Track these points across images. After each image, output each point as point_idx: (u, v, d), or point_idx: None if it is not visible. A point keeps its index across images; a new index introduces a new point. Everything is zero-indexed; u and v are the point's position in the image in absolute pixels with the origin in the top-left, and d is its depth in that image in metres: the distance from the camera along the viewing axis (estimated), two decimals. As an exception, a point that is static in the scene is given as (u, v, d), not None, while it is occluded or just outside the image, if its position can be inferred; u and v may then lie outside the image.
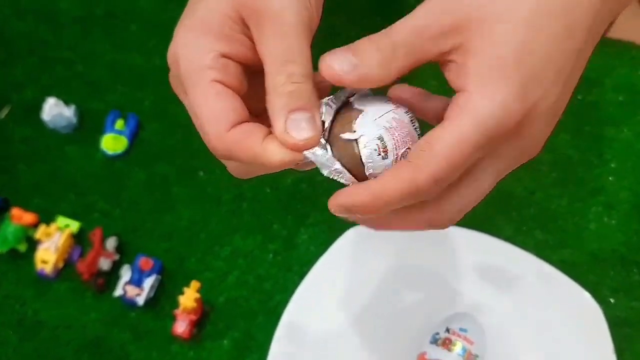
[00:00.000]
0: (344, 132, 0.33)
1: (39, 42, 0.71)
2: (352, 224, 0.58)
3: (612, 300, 0.57)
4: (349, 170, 0.33)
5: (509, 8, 0.31)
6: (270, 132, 0.33)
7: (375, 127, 0.32)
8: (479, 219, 0.60)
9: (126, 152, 0.64)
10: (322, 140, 0.33)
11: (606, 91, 0.65)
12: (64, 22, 0.72)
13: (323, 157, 0.33)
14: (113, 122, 0.65)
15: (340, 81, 0.32)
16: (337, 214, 0.33)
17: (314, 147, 0.32)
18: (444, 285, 0.56)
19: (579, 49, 0.33)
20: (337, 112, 0.34)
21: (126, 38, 0.71)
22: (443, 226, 0.35)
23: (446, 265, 0.57)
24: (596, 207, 0.60)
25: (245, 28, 0.34)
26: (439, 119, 0.35)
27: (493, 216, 0.61)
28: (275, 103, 0.32)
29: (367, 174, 0.32)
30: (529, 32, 0.31)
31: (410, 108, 0.35)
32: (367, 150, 0.32)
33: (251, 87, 0.35)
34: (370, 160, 0.32)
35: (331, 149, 0.33)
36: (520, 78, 0.31)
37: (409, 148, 0.33)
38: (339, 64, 0.31)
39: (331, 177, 0.33)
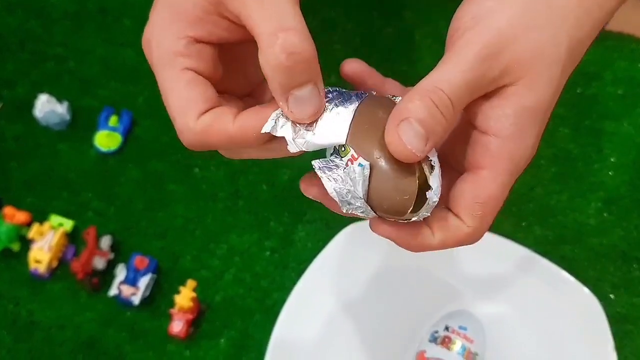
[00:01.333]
0: (405, 187, 0.30)
1: (30, 38, 0.70)
2: (350, 221, 0.58)
3: (612, 296, 0.56)
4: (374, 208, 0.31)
5: (551, 46, 0.31)
6: (242, 109, 0.32)
7: (440, 182, 0.31)
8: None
9: (120, 149, 0.63)
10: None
11: (606, 85, 0.65)
12: (55, 17, 0.71)
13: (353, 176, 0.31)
14: (107, 119, 0.64)
15: (413, 159, 0.30)
16: (375, 232, 0.33)
17: (316, 117, 0.31)
18: (443, 283, 0.56)
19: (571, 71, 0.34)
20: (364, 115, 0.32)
21: (119, 33, 0.70)
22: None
23: (445, 262, 0.56)
24: (596, 203, 0.60)
25: (219, 7, 0.31)
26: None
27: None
28: (273, 80, 0.30)
29: (406, 217, 0.31)
30: (564, 73, 0.32)
31: (368, 88, 0.34)
32: (426, 212, 0.31)
33: (235, 66, 0.34)
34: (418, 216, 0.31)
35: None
36: (545, 119, 0.32)
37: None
38: (412, 142, 0.29)
39: (349, 204, 0.31)
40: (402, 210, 0.31)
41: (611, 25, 0.76)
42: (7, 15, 0.71)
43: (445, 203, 0.33)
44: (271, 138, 0.32)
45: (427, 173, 0.31)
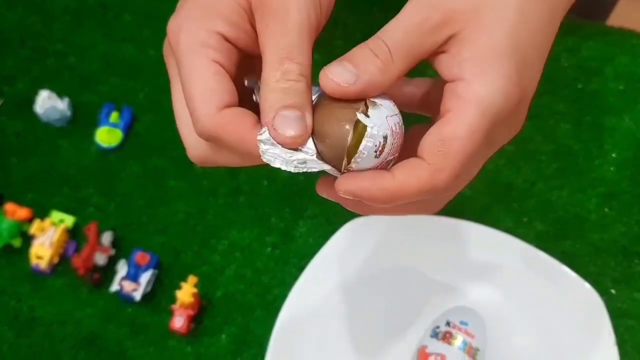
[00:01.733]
0: (344, 117, 0.32)
1: (30, 34, 0.69)
2: (351, 216, 0.58)
3: (613, 292, 0.56)
4: (325, 159, 0.32)
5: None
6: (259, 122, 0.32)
7: (386, 124, 0.32)
8: (478, 211, 0.59)
9: (121, 145, 0.63)
10: None
11: (607, 80, 0.64)
12: (55, 13, 0.71)
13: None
14: (107, 115, 0.64)
15: (344, 94, 0.32)
16: (340, 195, 0.33)
17: (298, 145, 0.31)
18: (444, 278, 0.56)
19: (555, 32, 0.34)
20: (324, 98, 0.33)
21: (119, 29, 0.70)
22: (435, 211, 0.36)
23: (446, 257, 0.56)
24: (597, 198, 0.60)
25: (252, 18, 0.33)
26: (416, 105, 0.37)
27: (493, 207, 0.60)
28: (267, 97, 0.32)
29: (348, 166, 0.32)
30: (519, 18, 0.32)
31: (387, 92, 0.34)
32: (369, 143, 0.31)
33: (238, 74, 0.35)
34: (364, 154, 0.31)
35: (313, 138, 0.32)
36: (515, 64, 0.31)
37: (394, 158, 0.32)
38: (340, 76, 0.31)
39: (296, 166, 0.32)
40: (343, 144, 0.31)
41: (612, 20, 0.76)
42: (7, 11, 0.71)
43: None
44: None
45: (368, 111, 0.31)
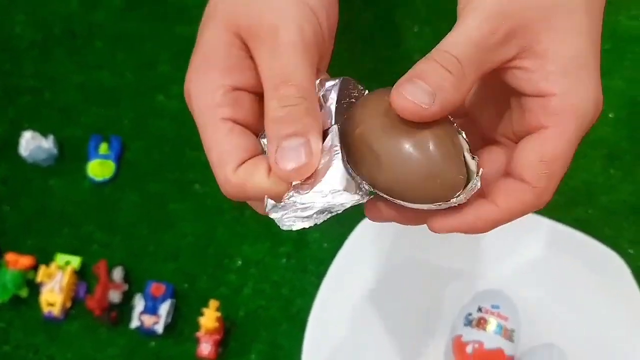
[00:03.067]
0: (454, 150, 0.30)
1: (0, 73, 0.67)
2: (362, 216, 0.57)
3: (631, 251, 0.57)
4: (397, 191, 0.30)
5: (559, 2, 0.30)
6: None
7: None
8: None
9: (115, 176, 0.61)
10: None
11: (590, 42, 0.65)
12: (22, 48, 0.68)
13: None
14: (96, 147, 0.62)
15: (423, 116, 0.29)
16: (434, 231, 0.32)
17: (306, 175, 0.29)
18: (465, 265, 0.55)
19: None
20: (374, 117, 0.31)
21: (92, 56, 0.67)
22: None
23: (461, 244, 0.55)
24: (600, 160, 0.60)
25: (249, 52, 0.31)
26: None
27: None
28: (268, 131, 0.30)
29: (449, 202, 0.30)
30: (590, 21, 0.31)
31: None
32: (478, 183, 0.30)
33: None
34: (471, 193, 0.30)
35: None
36: (597, 69, 0.31)
37: None
38: (416, 97, 0.29)
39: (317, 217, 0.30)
40: (443, 196, 0.29)
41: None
42: (-28, 53, 0.68)
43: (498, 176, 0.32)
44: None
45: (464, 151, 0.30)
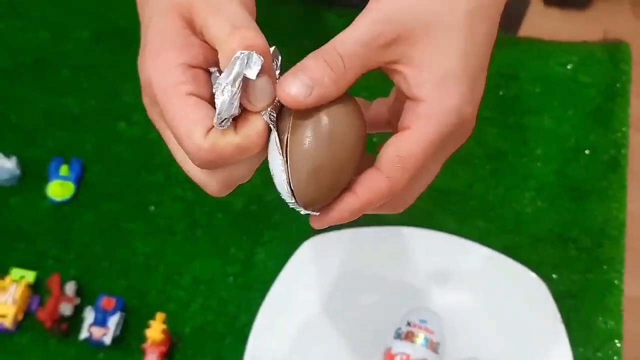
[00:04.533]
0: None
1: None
2: (307, 236, 0.61)
3: (554, 276, 0.61)
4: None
5: (447, 13, 0.34)
6: None
7: None
8: (424, 216, 0.63)
9: (74, 197, 0.64)
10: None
11: (523, 84, 0.70)
12: (-12, 73, 0.72)
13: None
14: (57, 169, 0.65)
15: (301, 105, 0.33)
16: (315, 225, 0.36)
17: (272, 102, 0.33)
18: (401, 284, 0.59)
19: (494, 38, 0.37)
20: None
21: (58, 83, 0.71)
22: (399, 211, 0.38)
23: (400, 264, 0.59)
24: (529, 192, 0.65)
25: (195, 29, 0.34)
26: (384, 124, 0.40)
27: (436, 212, 0.64)
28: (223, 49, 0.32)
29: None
30: (468, 36, 0.34)
31: None
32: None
33: None
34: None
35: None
36: (467, 82, 0.34)
37: None
38: (297, 88, 0.32)
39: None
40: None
41: (521, 31, 0.83)
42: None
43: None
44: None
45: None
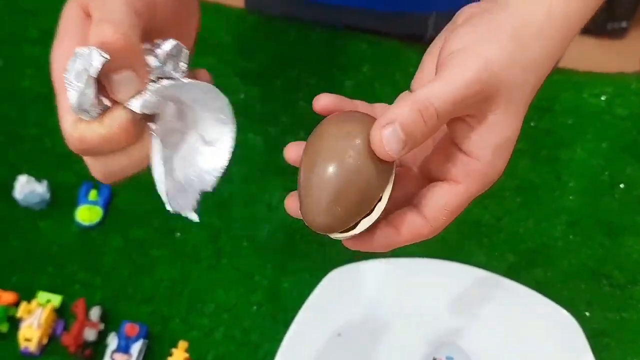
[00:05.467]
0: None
1: (4, 121, 0.72)
2: (332, 266, 0.60)
3: (587, 314, 0.59)
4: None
5: (522, 83, 0.35)
6: None
7: None
8: (452, 248, 0.62)
9: (101, 222, 0.65)
10: None
11: (556, 116, 0.69)
12: (28, 100, 0.73)
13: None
14: (86, 193, 0.66)
15: (391, 159, 0.34)
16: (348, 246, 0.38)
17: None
18: (428, 318, 0.58)
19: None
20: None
21: (91, 109, 0.72)
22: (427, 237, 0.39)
23: (427, 297, 0.58)
24: (561, 226, 0.63)
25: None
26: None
27: (465, 245, 0.63)
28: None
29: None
30: (527, 107, 0.37)
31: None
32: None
33: None
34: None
35: None
36: (513, 147, 0.37)
37: None
38: (392, 145, 0.33)
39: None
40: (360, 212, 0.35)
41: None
42: (-20, 103, 0.73)
43: (407, 203, 0.37)
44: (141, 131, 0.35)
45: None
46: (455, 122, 0.36)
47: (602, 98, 0.70)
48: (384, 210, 0.36)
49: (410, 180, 0.39)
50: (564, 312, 0.56)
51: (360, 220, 0.35)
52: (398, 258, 0.60)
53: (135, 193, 0.67)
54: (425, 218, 0.36)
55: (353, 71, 0.74)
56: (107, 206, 0.66)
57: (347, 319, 0.58)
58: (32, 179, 0.66)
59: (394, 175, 0.36)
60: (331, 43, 0.75)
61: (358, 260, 0.60)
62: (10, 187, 0.66)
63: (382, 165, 0.35)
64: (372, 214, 0.36)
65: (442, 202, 0.36)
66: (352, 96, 0.69)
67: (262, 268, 0.63)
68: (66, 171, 0.68)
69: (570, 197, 0.65)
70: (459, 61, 0.34)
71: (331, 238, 0.37)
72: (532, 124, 0.68)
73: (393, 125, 0.33)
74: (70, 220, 0.65)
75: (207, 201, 0.66)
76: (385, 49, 0.74)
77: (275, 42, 0.76)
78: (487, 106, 0.35)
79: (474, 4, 0.38)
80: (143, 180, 0.68)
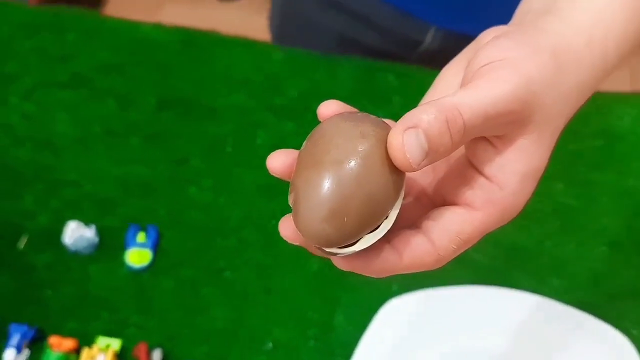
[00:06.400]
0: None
1: (43, 168, 0.72)
2: (385, 298, 0.61)
3: (634, 332, 0.61)
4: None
5: (558, 114, 0.32)
6: None
7: None
8: (497, 274, 0.64)
9: (151, 264, 0.66)
10: None
11: (585, 138, 0.71)
12: (63, 145, 0.74)
13: None
14: (134, 236, 0.66)
15: (409, 169, 0.29)
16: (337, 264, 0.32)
17: None
18: (482, 345, 0.59)
19: None
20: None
21: (128, 152, 0.73)
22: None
23: (480, 325, 0.60)
24: (601, 248, 0.65)
25: None
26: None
27: (510, 271, 0.65)
28: None
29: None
30: (556, 138, 0.34)
31: None
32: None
33: None
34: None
35: None
36: (539, 179, 0.33)
37: None
38: (413, 151, 0.28)
39: None
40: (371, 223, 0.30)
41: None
42: (17, 150, 0.73)
43: (412, 226, 0.32)
44: None
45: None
46: (478, 141, 0.32)
47: (626, 119, 0.72)
48: (389, 230, 0.31)
49: (421, 201, 0.34)
50: (615, 331, 0.58)
51: (361, 237, 0.30)
52: (446, 288, 0.61)
53: (180, 234, 0.68)
54: (433, 244, 0.31)
55: (384, 103, 0.76)
56: (156, 248, 0.67)
57: (405, 351, 0.59)
58: (82, 224, 0.66)
59: (404, 191, 0.31)
60: (359, 77, 0.77)
61: (406, 291, 0.62)
62: (55, 233, 0.67)
63: (395, 177, 0.30)
64: (377, 230, 0.30)
65: (455, 228, 0.31)
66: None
67: (313, 303, 0.64)
68: (110, 215, 0.69)
69: (608, 219, 0.67)
70: (497, 72, 0.30)
71: (326, 253, 0.31)
72: (562, 146, 0.71)
73: (416, 130, 0.28)
74: (119, 264, 0.66)
75: (252, 237, 0.68)
76: (413, 80, 0.77)
77: (304, 77, 0.78)
78: (519, 129, 0.31)
79: (502, 26, 0.35)
80: (187, 220, 0.70)
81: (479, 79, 0.30)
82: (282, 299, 0.65)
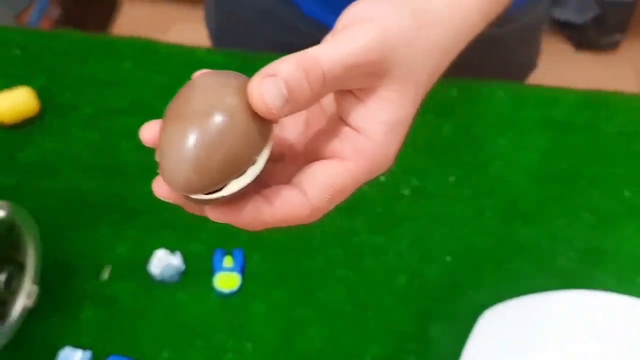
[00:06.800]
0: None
1: (116, 197, 0.72)
2: (473, 308, 0.62)
3: None
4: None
5: (422, 64, 0.33)
6: None
7: None
8: (581, 278, 0.65)
9: (241, 287, 0.66)
10: None
11: (648, 141, 0.73)
12: (132, 172, 0.74)
13: None
14: (221, 260, 0.66)
15: (271, 116, 0.31)
16: (208, 215, 0.33)
17: None
18: (586, 348, 0.60)
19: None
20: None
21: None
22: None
23: (580, 328, 0.61)
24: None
25: None
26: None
27: (593, 273, 0.66)
28: None
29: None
30: (426, 90, 0.35)
31: None
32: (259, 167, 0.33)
33: None
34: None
35: None
36: (408, 129, 0.34)
37: None
38: (272, 98, 0.30)
39: None
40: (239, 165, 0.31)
41: (573, 81, 0.86)
42: (88, 181, 0.73)
43: (285, 181, 0.34)
44: None
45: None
46: (344, 95, 0.33)
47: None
48: (258, 176, 0.32)
49: (297, 163, 0.35)
50: None
51: (228, 183, 0.31)
52: (541, 294, 0.62)
53: (265, 255, 0.68)
54: (305, 195, 0.32)
55: (449, 116, 0.77)
56: (243, 271, 0.67)
57: (514, 358, 0.60)
58: (168, 251, 0.66)
59: (272, 140, 0.32)
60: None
61: (504, 300, 0.63)
62: (138, 262, 0.67)
63: (259, 125, 0.31)
64: (243, 175, 0.31)
65: (326, 179, 0.32)
66: (453, 140, 0.71)
67: (406, 317, 0.65)
68: (192, 241, 0.69)
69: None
70: (356, 27, 0.32)
71: (194, 200, 0.32)
72: (628, 147, 0.72)
73: (275, 78, 0.30)
74: (208, 290, 0.66)
75: (339, 256, 0.68)
76: (474, 91, 0.78)
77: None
78: (380, 80, 0.32)
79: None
80: (270, 242, 0.70)
81: (338, 33, 0.32)
82: (374, 314, 0.65)
